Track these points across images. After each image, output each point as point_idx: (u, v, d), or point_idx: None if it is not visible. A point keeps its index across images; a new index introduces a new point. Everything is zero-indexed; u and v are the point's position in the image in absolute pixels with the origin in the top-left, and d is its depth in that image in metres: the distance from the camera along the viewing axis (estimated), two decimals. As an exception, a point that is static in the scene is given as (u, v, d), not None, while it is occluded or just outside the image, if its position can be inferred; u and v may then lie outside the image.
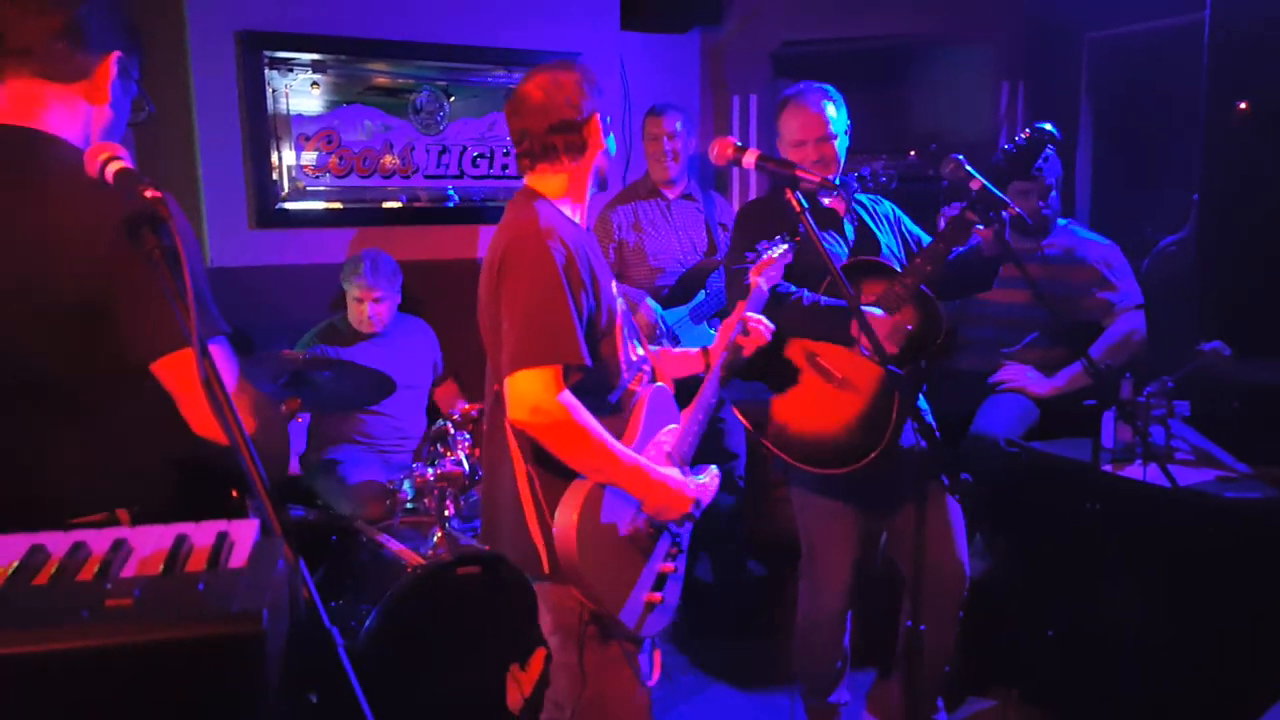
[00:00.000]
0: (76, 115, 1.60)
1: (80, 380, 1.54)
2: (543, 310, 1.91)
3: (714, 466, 2.32)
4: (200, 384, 1.39)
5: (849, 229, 2.79)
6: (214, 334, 1.53)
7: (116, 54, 1.63)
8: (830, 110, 2.73)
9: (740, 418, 2.78)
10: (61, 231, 1.47)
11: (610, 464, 1.99)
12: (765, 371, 2.68)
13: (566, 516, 1.97)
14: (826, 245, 2.69)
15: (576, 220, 2.12)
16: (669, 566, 2.16)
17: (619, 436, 2.06)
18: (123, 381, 1.53)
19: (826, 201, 2.80)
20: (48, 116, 1.57)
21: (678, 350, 2.48)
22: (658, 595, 2.12)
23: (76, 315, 1.48)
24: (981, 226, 2.51)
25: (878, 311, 2.57)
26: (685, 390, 2.38)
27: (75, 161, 1.45)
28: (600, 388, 2.06)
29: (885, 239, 2.82)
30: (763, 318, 2.38)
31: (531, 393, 1.90)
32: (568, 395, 1.93)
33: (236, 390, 1.54)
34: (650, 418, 2.17)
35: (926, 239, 2.90)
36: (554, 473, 2.01)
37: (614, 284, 2.15)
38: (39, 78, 1.56)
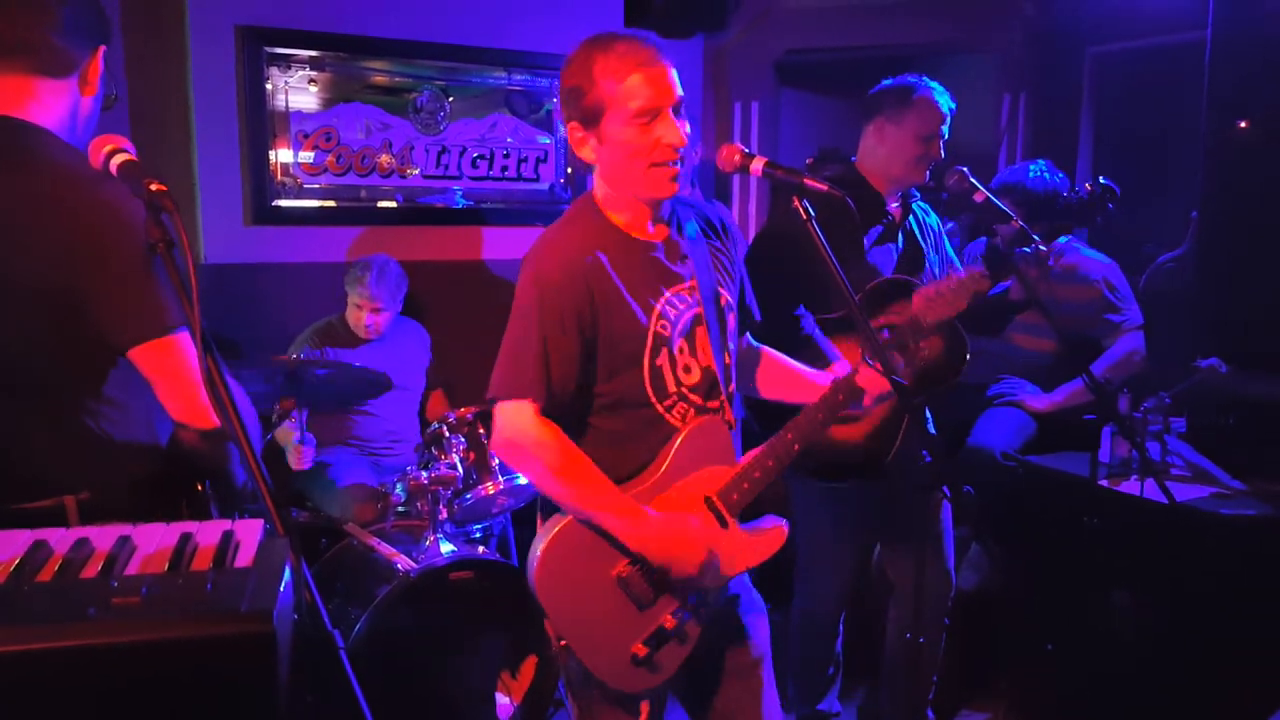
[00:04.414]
0: (65, 107, 1.62)
1: (45, 366, 1.54)
2: (513, 344, 1.85)
3: (783, 523, 2.01)
4: (174, 371, 1.47)
5: (901, 239, 2.71)
6: (186, 323, 1.53)
7: (103, 48, 1.67)
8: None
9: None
10: (42, 218, 1.49)
11: (584, 506, 1.83)
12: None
13: (539, 542, 1.86)
14: (874, 259, 2.61)
15: (628, 228, 1.90)
16: (670, 621, 1.89)
17: (638, 473, 1.89)
18: (88, 369, 1.54)
19: (894, 208, 2.67)
20: (34, 108, 1.58)
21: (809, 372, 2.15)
22: (643, 648, 1.87)
23: (51, 301, 1.49)
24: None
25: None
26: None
27: (60, 151, 1.47)
28: (615, 420, 1.91)
29: (930, 254, 2.74)
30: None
31: (504, 424, 1.85)
32: (542, 431, 1.82)
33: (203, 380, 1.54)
34: (686, 456, 1.90)
35: (957, 261, 2.86)
36: None
37: (664, 302, 1.89)
38: (32, 73, 1.58)
